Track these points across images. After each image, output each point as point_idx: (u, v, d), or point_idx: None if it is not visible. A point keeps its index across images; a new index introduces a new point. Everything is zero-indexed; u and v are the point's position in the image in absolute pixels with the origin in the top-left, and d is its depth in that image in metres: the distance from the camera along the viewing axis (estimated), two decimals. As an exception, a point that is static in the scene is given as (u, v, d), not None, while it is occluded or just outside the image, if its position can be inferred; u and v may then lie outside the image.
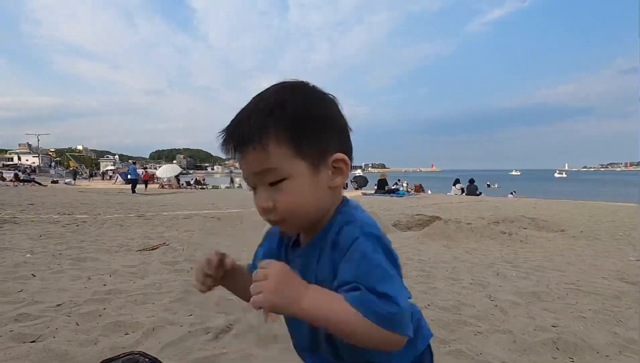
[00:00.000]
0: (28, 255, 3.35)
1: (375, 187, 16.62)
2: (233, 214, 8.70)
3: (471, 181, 17.26)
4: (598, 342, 1.94)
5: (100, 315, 1.97)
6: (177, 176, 24.10)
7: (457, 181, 17.53)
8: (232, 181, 27.65)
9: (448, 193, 17.34)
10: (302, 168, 0.57)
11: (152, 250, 3.96)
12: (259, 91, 0.62)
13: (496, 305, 2.51)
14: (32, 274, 2.76)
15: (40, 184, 20.72)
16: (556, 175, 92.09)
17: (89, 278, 2.72)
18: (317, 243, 0.62)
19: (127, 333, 1.79)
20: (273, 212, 0.59)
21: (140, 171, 21.01)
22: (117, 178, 28.43)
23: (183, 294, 2.45)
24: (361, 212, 0.63)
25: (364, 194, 15.49)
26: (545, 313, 2.41)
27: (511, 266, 3.97)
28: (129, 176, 23.75)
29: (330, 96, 0.64)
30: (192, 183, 24.86)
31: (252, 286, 0.53)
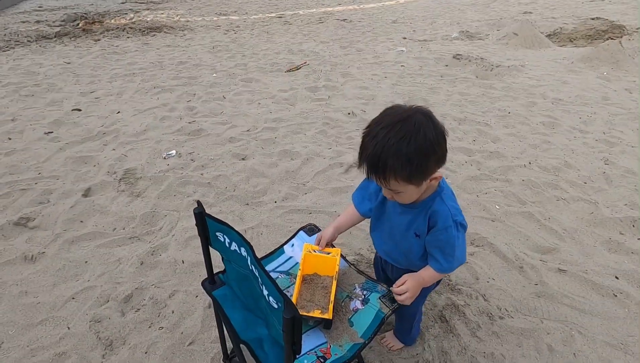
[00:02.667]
0: (214, 75, 4.51)
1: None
2: (365, 12, 8.36)
3: None
4: (686, 228, 2.08)
5: (273, 142, 2.97)
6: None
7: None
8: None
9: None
10: (411, 186, 0.91)
11: (296, 70, 4.70)
12: (387, 123, 0.86)
13: (604, 172, 2.61)
14: (223, 96, 3.90)
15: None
16: None
17: (259, 103, 3.72)
18: (417, 211, 1.01)
19: (292, 159, 2.76)
20: (392, 198, 1.00)
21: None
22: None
23: (323, 126, 3.26)
24: (450, 201, 1.00)
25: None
26: (656, 188, 2.44)
27: (674, 117, 3.45)
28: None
29: (440, 128, 0.88)
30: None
31: (398, 288, 1.04)
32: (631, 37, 5.50)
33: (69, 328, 1.52)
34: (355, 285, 1.19)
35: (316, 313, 1.08)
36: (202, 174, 2.54)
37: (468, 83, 4.35)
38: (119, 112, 3.52)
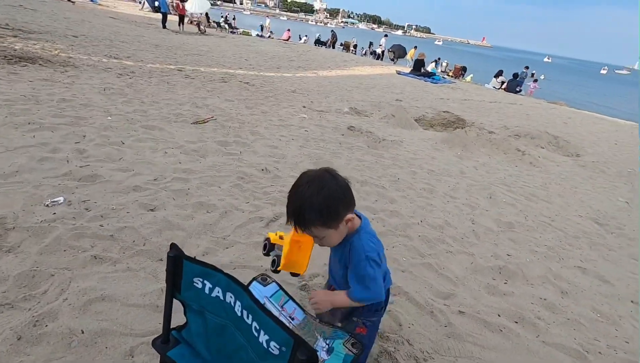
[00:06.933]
0: (109, 118, 4.07)
1: (411, 68, 15.85)
2: (265, 79, 8.96)
3: (515, 76, 16.23)
4: (532, 273, 2.71)
5: (187, 194, 2.78)
6: (207, 13, 22.80)
7: (499, 73, 16.46)
8: (262, 28, 26.09)
9: (486, 85, 16.55)
10: (330, 231, 1.16)
11: (204, 123, 4.63)
12: (302, 183, 1.14)
13: (474, 230, 3.25)
14: (122, 141, 3.53)
15: (70, 0, 20.11)
16: (602, 72, 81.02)
17: (165, 152, 3.48)
18: (341, 249, 1.25)
19: (209, 212, 2.61)
20: (321, 244, 1.22)
21: (171, 2, 19.73)
22: (144, 3, 27.22)
23: (238, 181, 3.22)
24: (365, 240, 1.21)
25: (399, 73, 14.90)
26: (508, 243, 3.15)
27: (506, 189, 4.58)
28: (156, 3, 22.57)
29: (342, 181, 1.16)
30: (222, 23, 23.69)
31: (313, 300, 1.22)
32: (470, 128, 7.26)
33: None
34: (318, 336, 1.18)
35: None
36: (101, 226, 2.17)
37: (362, 151, 4.97)
38: (-26, 147, 2.81)
